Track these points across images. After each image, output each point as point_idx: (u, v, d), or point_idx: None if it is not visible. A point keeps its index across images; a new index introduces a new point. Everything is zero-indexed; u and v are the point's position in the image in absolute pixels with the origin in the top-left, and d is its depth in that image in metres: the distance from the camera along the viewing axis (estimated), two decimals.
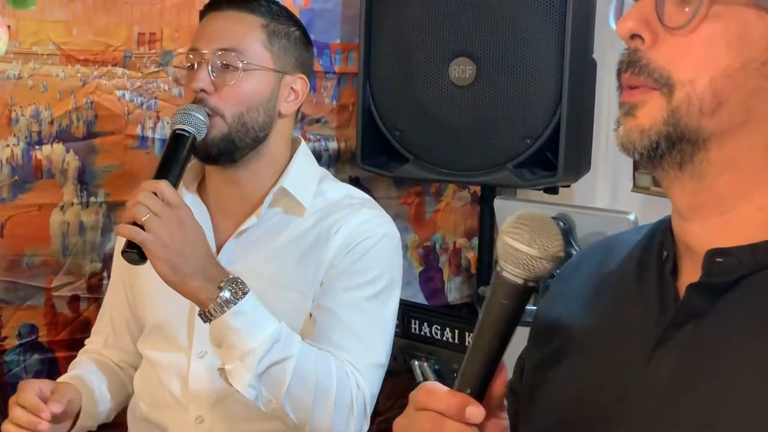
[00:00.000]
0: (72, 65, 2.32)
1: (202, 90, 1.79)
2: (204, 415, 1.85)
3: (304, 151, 1.95)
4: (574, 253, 1.89)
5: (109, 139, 2.39)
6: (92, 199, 2.39)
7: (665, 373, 0.95)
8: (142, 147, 2.43)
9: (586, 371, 1.04)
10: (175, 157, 1.72)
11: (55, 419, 1.73)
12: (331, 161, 2.66)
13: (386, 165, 2.53)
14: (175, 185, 1.68)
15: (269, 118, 1.86)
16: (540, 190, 2.49)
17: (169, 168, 1.70)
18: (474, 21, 2.36)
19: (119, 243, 1.92)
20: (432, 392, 0.99)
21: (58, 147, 2.34)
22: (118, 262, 2.00)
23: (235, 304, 1.63)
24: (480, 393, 1.00)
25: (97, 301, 2.39)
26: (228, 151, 1.82)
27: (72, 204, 2.37)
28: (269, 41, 1.85)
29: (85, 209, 2.39)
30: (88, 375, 1.96)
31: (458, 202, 2.86)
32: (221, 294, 1.63)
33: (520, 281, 0.98)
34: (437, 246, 2.86)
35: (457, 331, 2.45)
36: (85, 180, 2.38)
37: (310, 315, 1.82)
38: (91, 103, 2.36)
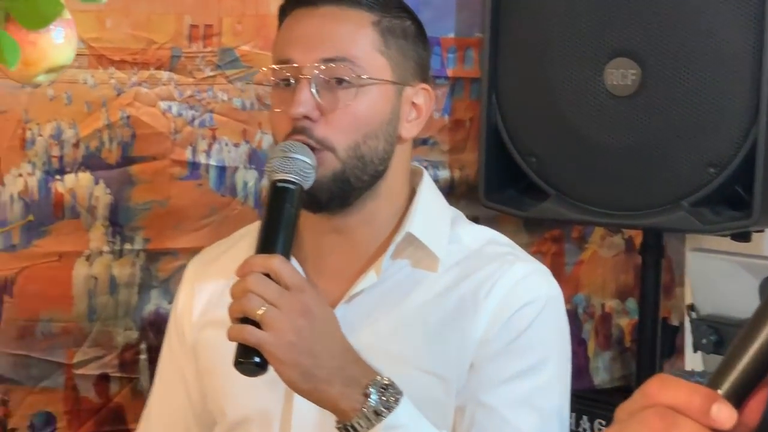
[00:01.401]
0: (104, 68, 2.32)
1: (306, 117, 1.77)
2: None
3: (428, 186, 1.94)
4: None
5: (150, 166, 2.39)
6: (127, 246, 2.39)
7: None
8: (192, 177, 2.42)
9: None
10: (282, 218, 1.71)
11: None
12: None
13: (517, 202, 2.53)
14: (287, 256, 1.68)
15: (390, 146, 1.85)
16: (726, 236, 2.45)
17: (276, 235, 1.69)
18: (639, 10, 2.35)
19: (184, 305, 1.97)
20: (668, 383, 0.99)
21: (85, 177, 2.33)
22: (177, 337, 2.00)
23: (386, 417, 1.62)
24: (735, 400, 0.99)
25: (132, 383, 2.38)
26: (341, 194, 1.81)
27: (101, 253, 2.37)
28: (384, 43, 1.84)
29: (118, 259, 2.38)
30: None
31: (608, 251, 2.83)
32: (368, 402, 1.62)
33: None
34: (580, 310, 2.83)
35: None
36: (118, 221, 2.37)
37: (459, 408, 1.80)
38: (128, 118, 2.35)
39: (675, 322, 2.86)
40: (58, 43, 1.19)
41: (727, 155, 2.29)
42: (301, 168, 1.72)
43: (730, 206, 2.34)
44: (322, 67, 1.78)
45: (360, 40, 1.82)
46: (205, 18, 2.39)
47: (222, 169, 2.43)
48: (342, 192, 1.81)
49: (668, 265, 2.74)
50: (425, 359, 1.82)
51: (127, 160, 2.36)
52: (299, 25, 1.84)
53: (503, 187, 2.53)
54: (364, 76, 1.80)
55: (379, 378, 1.65)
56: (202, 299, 1.97)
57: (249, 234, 1.97)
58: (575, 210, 2.45)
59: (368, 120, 1.81)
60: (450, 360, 1.80)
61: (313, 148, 1.76)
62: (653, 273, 2.58)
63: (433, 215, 1.90)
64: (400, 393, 1.64)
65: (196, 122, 2.41)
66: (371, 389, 1.63)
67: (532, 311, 1.82)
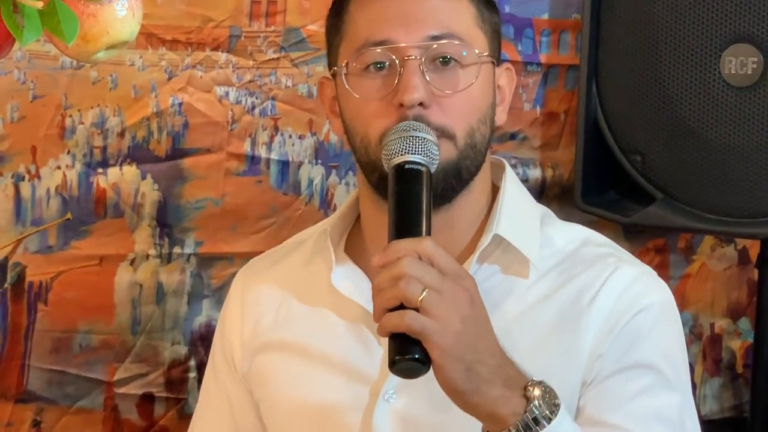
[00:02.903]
0: (154, 49, 2.28)
1: (420, 104, 1.68)
2: None
3: (512, 180, 1.86)
4: None
5: (204, 159, 2.34)
6: (177, 249, 2.35)
7: None
8: (251, 173, 2.37)
9: None
10: (416, 201, 1.61)
11: None
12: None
13: (619, 205, 2.45)
14: None
15: (491, 134, 1.80)
16: None
17: (413, 221, 1.59)
18: None
19: (233, 324, 1.90)
20: None
21: (130, 171, 2.30)
22: (225, 361, 1.93)
23: (548, 424, 1.51)
24: None
25: (179, 404, 2.35)
26: (451, 187, 1.74)
27: (147, 257, 2.33)
28: (481, 18, 1.77)
29: (166, 265, 2.35)
30: None
31: (719, 263, 2.68)
32: (531, 408, 1.51)
33: None
34: (686, 330, 2.53)
35: None
36: (167, 221, 2.33)
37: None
38: (180, 105, 2.31)
39: None
40: (120, 15, 1.16)
41: None
42: (429, 149, 1.65)
43: None
44: (434, 45, 1.72)
45: (462, 14, 1.76)
46: None
47: (284, 164, 2.37)
48: (451, 186, 1.74)
49: None
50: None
51: (178, 153, 2.32)
52: (393, 1, 1.78)
53: (602, 189, 2.46)
54: (476, 51, 1.74)
55: (536, 380, 1.54)
56: (254, 317, 1.90)
57: (308, 240, 1.92)
58: (684, 216, 2.35)
59: (480, 103, 1.75)
60: (555, 376, 1.64)
61: None
62: None
63: (520, 214, 1.83)
64: (557, 398, 1.54)
65: (257, 111, 2.36)
66: (533, 392, 1.52)
67: (648, 319, 1.74)
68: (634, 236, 2.56)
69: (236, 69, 2.32)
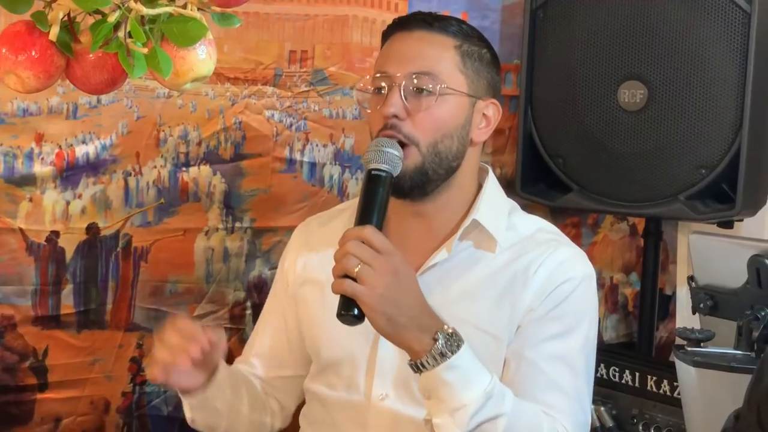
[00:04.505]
0: (222, 84, 2.32)
1: (395, 116, 1.76)
2: None
3: (492, 181, 1.90)
4: None
5: (256, 161, 2.38)
6: (237, 224, 2.38)
7: None
8: (289, 171, 2.42)
9: None
10: (375, 199, 1.68)
11: (201, 362, 1.74)
12: None
13: (546, 194, 2.50)
14: (380, 229, 1.65)
15: (462, 147, 1.82)
16: (713, 223, 2.42)
17: (370, 211, 1.66)
18: (646, 41, 2.32)
19: (291, 262, 1.96)
20: None
21: (205, 169, 2.34)
22: (282, 285, 1.99)
23: (449, 358, 1.59)
24: None
25: (239, 333, 2.39)
26: (421, 183, 1.78)
27: (217, 229, 2.37)
28: (463, 63, 1.81)
29: (230, 235, 2.38)
30: (239, 373, 1.97)
31: (616, 234, 2.80)
32: (435, 345, 1.59)
33: None
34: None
35: (638, 374, 2.37)
36: (231, 204, 2.36)
37: (507, 361, 1.78)
38: (240, 123, 2.35)
39: (668, 292, 2.83)
40: (202, 58, 1.18)
41: (716, 159, 2.27)
42: (391, 159, 1.71)
43: (717, 200, 2.31)
44: (413, 77, 1.77)
45: (444, 59, 1.80)
46: (302, 45, 2.38)
47: (313, 165, 2.44)
48: (421, 182, 1.78)
49: (664, 246, 2.70)
50: (483, 321, 1.78)
51: (238, 157, 2.36)
52: (396, 44, 1.83)
53: (535, 182, 2.50)
54: (444, 87, 1.77)
55: (446, 327, 1.61)
56: (304, 259, 1.95)
57: (347, 209, 1.95)
58: (592, 201, 2.42)
59: (445, 123, 1.78)
60: (503, 323, 1.77)
61: (401, 144, 1.75)
62: (653, 253, 2.57)
63: (495, 206, 1.87)
64: (461, 341, 1.61)
65: (293, 127, 2.41)
66: (439, 335, 1.59)
67: (570, 286, 1.79)
68: (558, 216, 2.63)
69: (279, 98, 2.36)
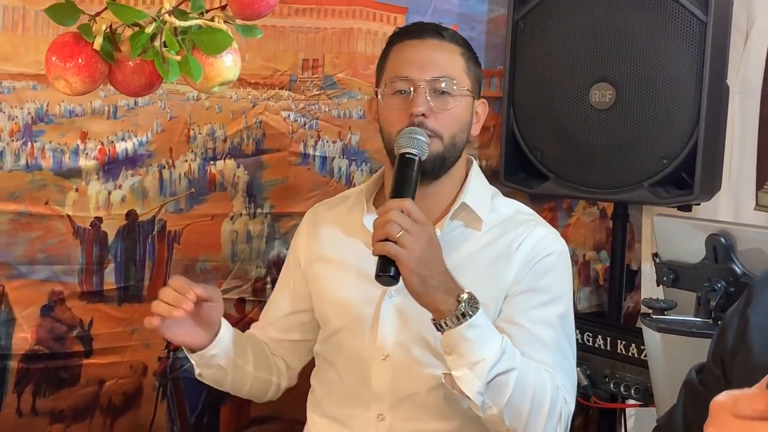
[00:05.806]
0: (244, 88, 2.30)
1: (422, 114, 1.76)
2: (385, 413, 1.82)
3: (476, 170, 1.91)
4: (737, 268, 1.86)
5: (275, 155, 2.37)
6: (258, 210, 2.37)
7: None
8: (303, 163, 2.40)
9: None
10: (408, 177, 1.68)
11: (199, 316, 1.74)
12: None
13: (527, 182, 2.47)
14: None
15: (467, 140, 1.85)
16: (673, 207, 2.39)
17: (404, 188, 1.67)
18: (614, 48, 2.29)
19: (302, 241, 1.94)
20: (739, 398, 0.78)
21: (230, 162, 2.32)
22: (293, 261, 1.98)
23: (471, 317, 1.59)
24: None
25: (260, 304, 2.35)
26: (438, 168, 1.79)
27: (241, 214, 2.36)
28: (467, 68, 1.83)
29: (252, 219, 2.37)
30: (247, 335, 1.96)
31: (588, 217, 2.77)
32: (459, 306, 1.59)
33: None
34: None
35: (609, 339, 2.37)
36: (252, 193, 2.35)
37: (499, 329, 1.74)
38: (260, 122, 2.34)
39: (634, 268, 2.81)
40: (228, 65, 1.18)
41: (676, 151, 2.25)
42: (421, 145, 1.72)
43: (678, 186, 2.30)
44: (436, 80, 1.78)
45: (455, 63, 1.82)
46: (314, 54, 2.36)
47: (324, 159, 2.42)
48: (438, 167, 1.79)
49: (630, 227, 2.68)
50: (476, 292, 1.71)
51: (259, 151, 2.35)
52: (412, 51, 1.82)
53: (516, 172, 2.48)
54: (459, 89, 1.80)
55: (467, 291, 1.61)
56: (314, 239, 1.94)
57: (350, 196, 1.95)
58: (569, 188, 2.40)
59: (460, 119, 1.81)
60: (491, 292, 1.77)
61: (428, 136, 1.76)
62: (620, 233, 2.55)
63: (480, 191, 1.88)
64: (479, 303, 1.61)
65: (307, 126, 2.39)
66: (462, 297, 1.59)
67: (550, 260, 1.80)
68: (536, 201, 2.58)
69: (294, 101, 2.35)
